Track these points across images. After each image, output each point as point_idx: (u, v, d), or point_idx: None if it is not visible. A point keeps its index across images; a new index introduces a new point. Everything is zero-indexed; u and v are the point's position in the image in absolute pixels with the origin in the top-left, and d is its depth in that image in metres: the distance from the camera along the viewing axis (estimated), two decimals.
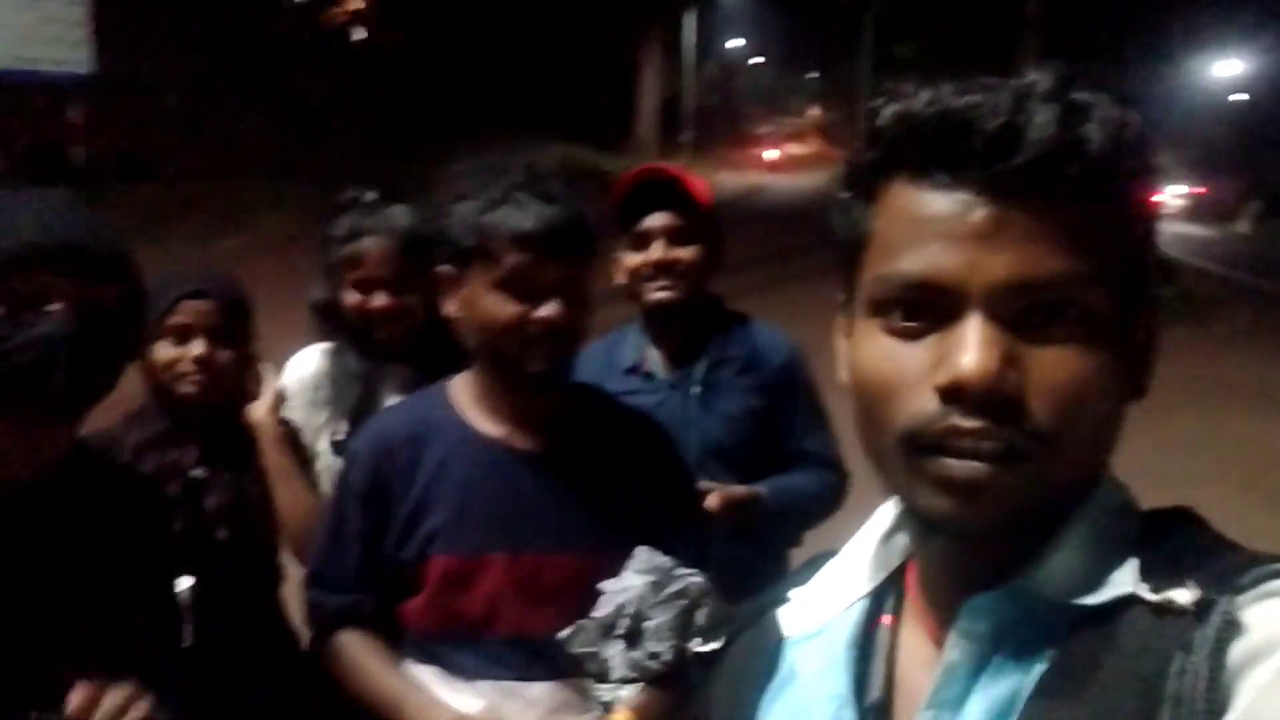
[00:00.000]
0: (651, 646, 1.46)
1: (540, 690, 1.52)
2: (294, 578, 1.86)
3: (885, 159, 0.68)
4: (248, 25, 17.98)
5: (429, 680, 1.55)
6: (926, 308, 0.65)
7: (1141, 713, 0.59)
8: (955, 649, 0.67)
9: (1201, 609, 0.60)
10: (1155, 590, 0.62)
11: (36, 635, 1.16)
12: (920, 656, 0.72)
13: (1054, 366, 0.63)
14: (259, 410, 1.93)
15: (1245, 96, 31.32)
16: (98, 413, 1.27)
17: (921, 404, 0.64)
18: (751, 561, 1.99)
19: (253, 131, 16.22)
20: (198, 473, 1.80)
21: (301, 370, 2.11)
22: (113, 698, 1.11)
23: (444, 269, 1.58)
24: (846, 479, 2.17)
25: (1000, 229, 0.63)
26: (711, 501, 1.95)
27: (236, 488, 1.82)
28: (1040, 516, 0.65)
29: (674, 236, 2.05)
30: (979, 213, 0.63)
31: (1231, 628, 0.59)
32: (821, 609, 0.79)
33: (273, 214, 13.57)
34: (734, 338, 2.14)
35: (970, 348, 0.62)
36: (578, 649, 1.47)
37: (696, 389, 2.09)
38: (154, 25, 15.55)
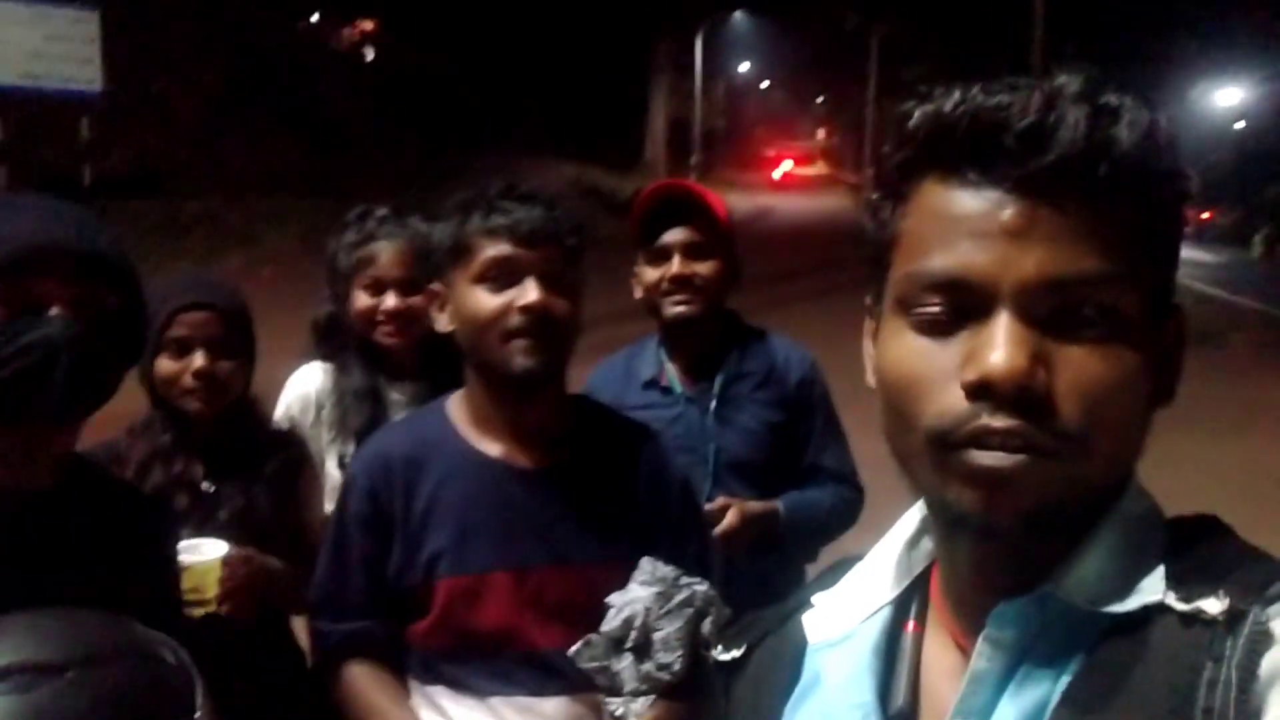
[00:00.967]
0: (661, 657, 1.45)
1: (554, 706, 1.50)
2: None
3: (916, 158, 0.68)
4: (260, 44, 18.11)
5: (440, 699, 1.53)
6: (956, 306, 0.65)
7: None
8: (982, 657, 0.66)
9: (1232, 619, 0.59)
10: (1184, 599, 0.62)
11: None
12: (945, 664, 0.72)
13: (1083, 366, 0.62)
14: None
15: (1243, 124, 31.59)
16: (99, 426, 1.26)
17: (950, 402, 0.63)
18: (768, 576, 1.99)
19: (264, 149, 16.30)
20: (207, 485, 1.79)
21: (303, 388, 2.10)
22: None
23: (435, 286, 1.58)
24: (862, 494, 2.17)
25: (1031, 227, 0.63)
26: (730, 517, 1.95)
27: (246, 498, 1.81)
28: (1067, 517, 0.64)
29: (692, 251, 2.06)
30: (1009, 211, 0.63)
31: (1263, 638, 0.58)
32: (845, 616, 0.78)
33: (282, 230, 13.63)
34: (752, 352, 2.15)
35: (999, 345, 0.62)
36: (587, 664, 1.46)
37: (714, 403, 2.09)
38: (165, 43, 15.67)
